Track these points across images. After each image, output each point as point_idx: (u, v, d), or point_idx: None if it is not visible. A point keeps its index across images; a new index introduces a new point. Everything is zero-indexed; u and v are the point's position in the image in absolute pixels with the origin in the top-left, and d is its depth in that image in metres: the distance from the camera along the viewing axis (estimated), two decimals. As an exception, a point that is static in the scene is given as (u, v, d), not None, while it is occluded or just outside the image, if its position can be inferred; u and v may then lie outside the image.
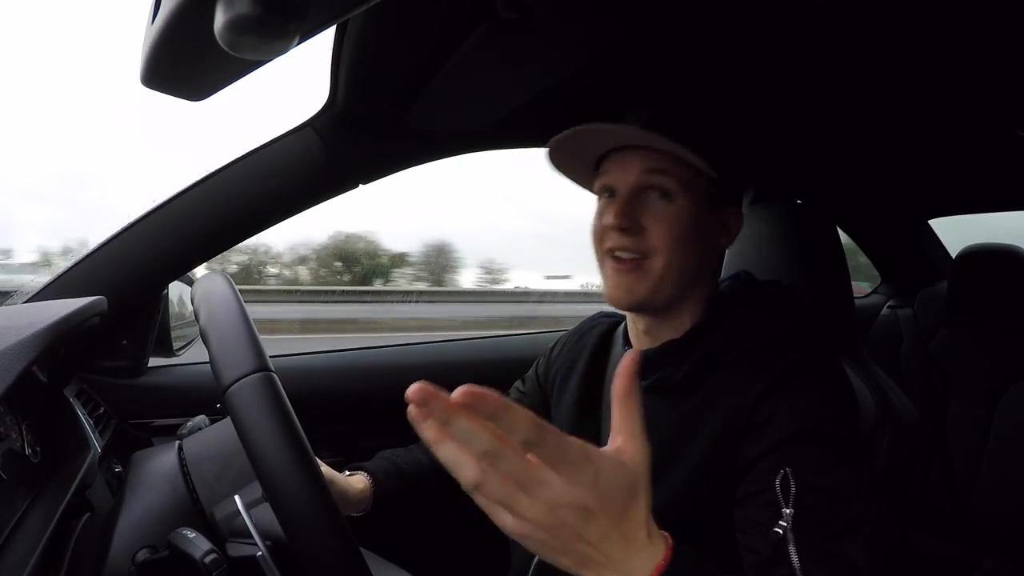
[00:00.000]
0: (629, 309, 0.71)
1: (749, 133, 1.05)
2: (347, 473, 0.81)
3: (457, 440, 0.36)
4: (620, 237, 0.66)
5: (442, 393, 0.35)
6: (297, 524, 0.47)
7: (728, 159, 0.68)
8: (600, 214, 0.70)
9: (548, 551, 0.40)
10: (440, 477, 0.88)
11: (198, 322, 0.58)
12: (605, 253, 0.68)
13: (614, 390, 0.43)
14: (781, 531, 0.55)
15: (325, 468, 0.72)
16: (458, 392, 0.35)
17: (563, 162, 0.74)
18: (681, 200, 0.66)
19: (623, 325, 0.81)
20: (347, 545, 0.48)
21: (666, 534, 0.43)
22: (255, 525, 0.58)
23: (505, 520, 0.39)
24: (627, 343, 0.77)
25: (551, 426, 0.38)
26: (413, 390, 0.35)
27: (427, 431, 0.36)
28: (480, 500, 0.38)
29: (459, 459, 0.37)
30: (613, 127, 0.66)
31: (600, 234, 0.69)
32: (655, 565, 0.41)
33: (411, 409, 0.36)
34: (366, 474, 0.82)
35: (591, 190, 0.76)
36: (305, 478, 0.48)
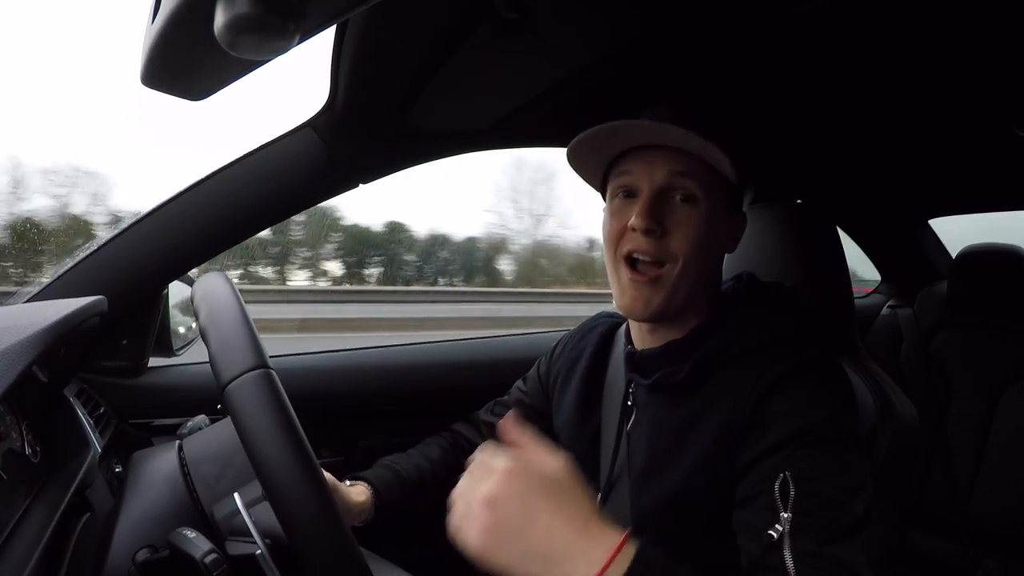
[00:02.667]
0: (646, 321, 0.70)
1: (758, 135, 1.05)
2: (348, 483, 0.81)
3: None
4: (643, 240, 0.64)
5: None
6: (296, 521, 0.47)
7: (744, 161, 0.68)
8: (616, 214, 0.68)
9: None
10: (440, 483, 0.88)
11: (198, 321, 0.58)
12: (622, 258, 0.67)
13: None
14: (776, 535, 0.55)
15: (327, 477, 0.72)
16: None
17: (581, 160, 0.72)
18: (704, 205, 0.65)
19: (625, 325, 0.81)
20: (346, 542, 0.48)
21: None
22: (254, 523, 0.58)
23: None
24: (629, 342, 0.77)
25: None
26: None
27: None
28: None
29: None
30: (649, 124, 0.64)
31: (617, 236, 0.67)
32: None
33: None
34: (367, 484, 0.82)
35: (597, 188, 0.75)
36: (304, 475, 0.48)
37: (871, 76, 0.84)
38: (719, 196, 0.67)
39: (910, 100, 0.94)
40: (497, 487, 0.46)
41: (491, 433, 0.94)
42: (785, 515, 0.55)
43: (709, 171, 0.65)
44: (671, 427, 0.68)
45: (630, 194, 0.68)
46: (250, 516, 0.59)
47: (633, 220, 0.64)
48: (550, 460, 0.48)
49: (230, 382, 0.50)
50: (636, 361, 0.73)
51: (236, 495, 0.61)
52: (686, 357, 0.68)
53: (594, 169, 0.73)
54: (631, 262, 0.66)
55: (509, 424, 0.51)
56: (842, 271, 0.92)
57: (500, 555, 0.45)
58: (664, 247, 0.64)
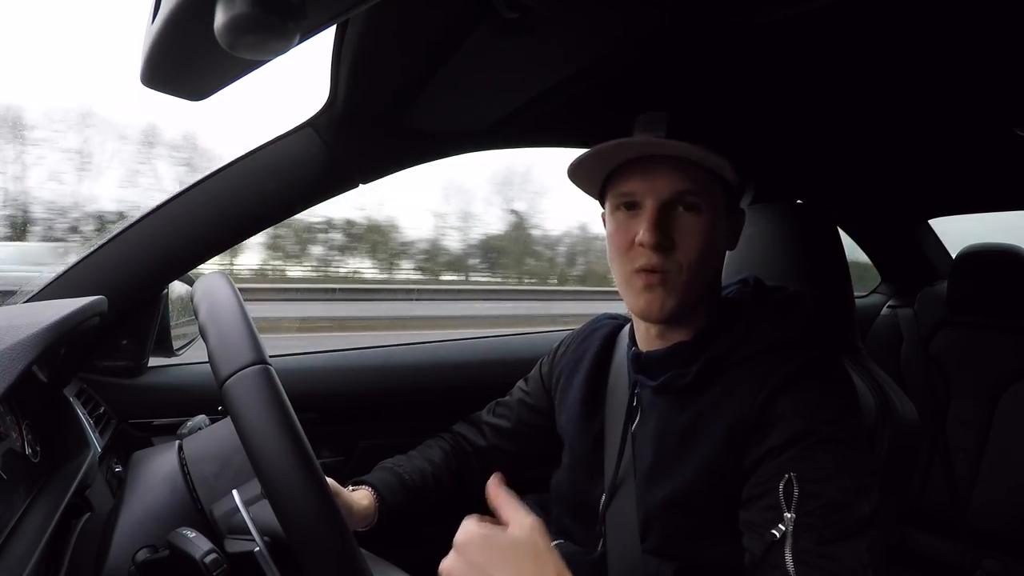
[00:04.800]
0: (662, 322, 0.70)
1: (758, 135, 1.05)
2: (351, 488, 0.81)
3: None
4: (652, 255, 0.65)
5: None
6: (294, 518, 0.47)
7: (743, 163, 0.68)
8: (622, 227, 0.68)
9: None
10: (442, 485, 0.88)
11: (197, 319, 0.58)
12: (635, 271, 0.67)
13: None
14: (779, 534, 0.55)
15: (330, 482, 0.72)
16: None
17: (582, 173, 0.72)
18: (707, 212, 0.66)
19: (628, 327, 0.81)
20: (344, 539, 0.48)
21: None
22: (253, 521, 0.58)
23: None
24: (633, 344, 0.77)
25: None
26: None
27: None
28: None
29: None
30: (649, 141, 0.65)
31: (626, 248, 0.67)
32: None
33: None
34: (370, 488, 0.82)
35: (595, 197, 0.75)
36: (302, 470, 0.48)
37: (871, 76, 0.84)
38: (719, 199, 0.67)
39: (910, 100, 0.94)
40: (454, 562, 0.48)
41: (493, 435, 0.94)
42: (788, 515, 0.56)
43: (709, 176, 0.66)
44: (677, 428, 0.68)
45: (632, 206, 0.68)
46: (249, 513, 0.59)
47: (641, 235, 0.65)
48: (519, 526, 0.48)
49: (228, 378, 0.50)
50: (642, 362, 0.74)
51: (235, 492, 0.61)
52: (694, 359, 0.68)
53: (594, 180, 0.73)
54: (643, 270, 0.66)
55: (492, 487, 0.52)
56: (842, 271, 0.92)
57: None
58: (673, 258, 0.65)
